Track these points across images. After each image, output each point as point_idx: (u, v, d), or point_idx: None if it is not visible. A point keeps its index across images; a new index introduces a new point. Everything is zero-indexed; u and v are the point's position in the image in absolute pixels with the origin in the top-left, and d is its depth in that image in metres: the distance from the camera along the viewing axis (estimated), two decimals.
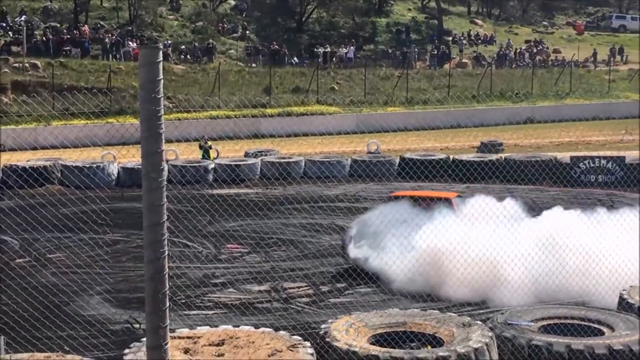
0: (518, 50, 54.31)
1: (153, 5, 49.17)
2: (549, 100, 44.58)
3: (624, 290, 8.54)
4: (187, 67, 42.94)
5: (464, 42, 54.08)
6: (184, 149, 26.97)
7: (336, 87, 43.53)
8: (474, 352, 6.65)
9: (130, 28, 47.16)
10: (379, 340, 7.33)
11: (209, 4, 53.24)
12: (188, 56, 45.05)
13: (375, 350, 6.79)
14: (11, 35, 42.35)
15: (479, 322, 7.38)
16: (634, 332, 7.17)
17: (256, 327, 7.44)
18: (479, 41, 55.34)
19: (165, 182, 4.75)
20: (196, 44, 46.31)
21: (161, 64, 4.68)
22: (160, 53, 4.68)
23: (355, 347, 6.83)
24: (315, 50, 47.91)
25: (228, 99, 32.06)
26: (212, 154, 26.66)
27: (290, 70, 45.04)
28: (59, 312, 10.22)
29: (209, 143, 26.42)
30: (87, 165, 23.05)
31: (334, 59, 48.12)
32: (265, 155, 26.40)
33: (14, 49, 40.35)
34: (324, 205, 18.22)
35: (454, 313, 7.93)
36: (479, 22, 60.35)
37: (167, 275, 4.72)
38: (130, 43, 43.43)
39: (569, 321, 7.76)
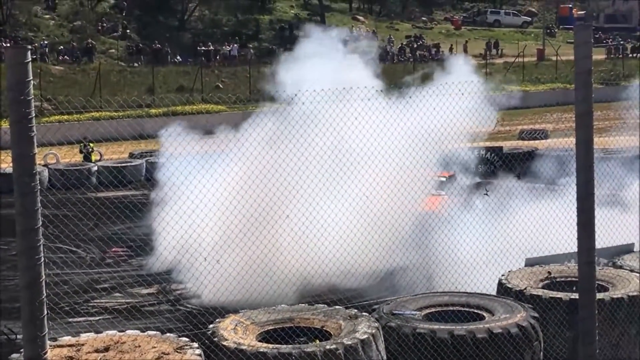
0: (399, 46, 55.41)
1: (27, 5, 47.51)
2: None
3: (502, 275, 8.85)
4: (66, 68, 41.79)
5: (347, 39, 54.77)
6: (66, 152, 26.20)
7: (221, 86, 43.27)
8: (361, 343, 6.76)
9: (3, 28, 45.42)
10: (267, 337, 7.34)
11: (86, 3, 51.91)
12: (66, 56, 43.79)
13: (263, 347, 6.80)
14: None
15: (365, 314, 7.50)
16: (512, 315, 7.45)
17: (143, 330, 7.32)
18: (361, 37, 56.16)
19: (39, 187, 4.65)
20: (75, 44, 45.08)
21: (30, 64, 4.57)
22: (29, 53, 4.57)
23: (244, 345, 6.82)
24: (198, 48, 47.47)
25: (110, 100, 31.35)
26: (94, 156, 26.04)
27: (174, 69, 44.51)
28: None
29: (91, 145, 25.79)
30: None
31: (217, 57, 47.81)
32: (151, 156, 25.98)
33: None
34: None
35: (342, 306, 8.02)
36: (361, 18, 61.28)
37: (43, 283, 4.63)
38: (4, 44, 41.80)
39: (451, 308, 7.99)
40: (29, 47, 4.77)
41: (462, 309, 7.95)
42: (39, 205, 4.60)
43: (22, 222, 4.61)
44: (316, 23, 57.24)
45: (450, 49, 54.80)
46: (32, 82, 4.61)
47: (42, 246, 4.70)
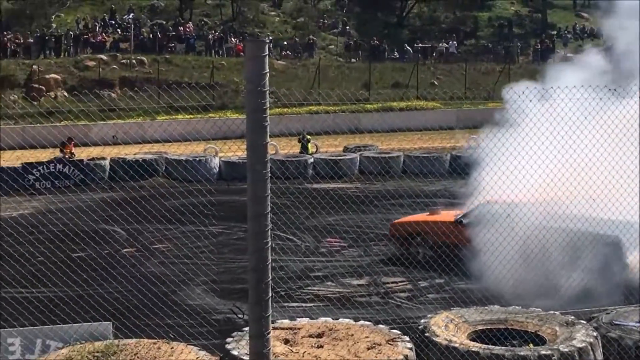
0: None
1: (255, 2, 49.85)
2: None
3: None
4: (288, 63, 43.33)
5: (569, 36, 52.68)
6: (284, 144, 27.26)
7: (436, 82, 43.12)
8: (578, 352, 6.51)
9: (232, 24, 47.95)
10: (479, 336, 7.25)
11: (310, 0, 53.60)
12: (288, 52, 45.44)
13: (476, 346, 6.72)
14: (120, 32, 43.77)
15: (583, 322, 7.21)
16: None
17: (355, 320, 7.47)
18: (585, 35, 53.81)
19: (269, 175, 4.80)
20: (297, 39, 46.69)
21: (267, 57, 4.73)
22: (267, 46, 4.73)
23: (455, 343, 6.77)
24: (415, 45, 47.57)
25: (328, 94, 32.23)
26: (311, 148, 26.88)
27: (390, 65, 44.85)
28: (165, 300, 10.56)
29: (308, 137, 26.66)
30: (190, 159, 23.60)
31: (433, 54, 47.67)
32: (365, 150, 26.41)
33: (122, 45, 41.66)
34: (423, 201, 18.09)
35: (557, 311, 7.75)
36: (585, 15, 58.67)
37: (270, 266, 4.78)
38: (233, 39, 44.15)
39: None
40: (267, 40, 4.94)
41: None
42: (269, 192, 4.75)
43: (253, 207, 4.75)
44: (537, 20, 55.60)
45: None
46: (267, 74, 4.78)
47: (269, 231, 4.84)
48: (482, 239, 11.36)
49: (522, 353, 6.48)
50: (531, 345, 6.88)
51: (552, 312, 7.58)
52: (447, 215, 13.99)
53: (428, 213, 14.37)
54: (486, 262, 9.95)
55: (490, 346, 6.75)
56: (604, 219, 10.07)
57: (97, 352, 6.57)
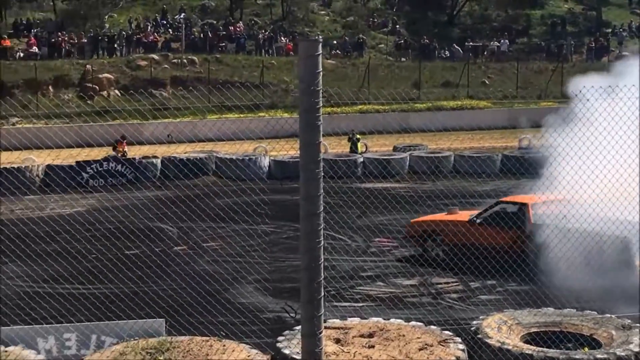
0: None
1: (305, 1, 49.97)
2: None
3: None
4: (338, 62, 43.30)
5: (624, 34, 51.70)
6: (334, 143, 27.28)
7: (487, 82, 42.72)
8: (635, 356, 6.39)
9: (282, 24, 48.14)
10: (533, 339, 7.17)
11: None
12: (338, 51, 45.42)
13: (529, 349, 6.64)
14: (171, 32, 44.26)
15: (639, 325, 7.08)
16: None
17: (406, 320, 7.44)
18: None
19: (322, 174, 4.79)
20: (347, 38, 46.66)
21: (320, 57, 4.73)
22: (320, 46, 4.73)
23: (508, 345, 6.70)
24: (466, 44, 47.17)
25: (377, 93, 32.06)
26: (361, 147, 26.86)
27: (440, 64, 44.55)
28: (217, 298, 10.64)
29: (358, 136, 26.67)
30: (240, 158, 23.75)
31: (485, 53, 47.21)
32: (414, 149, 26.29)
33: (174, 45, 42.12)
34: (474, 201, 17.94)
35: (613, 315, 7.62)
36: None
37: (322, 265, 4.77)
38: (283, 39, 44.31)
39: None
40: (320, 40, 4.93)
41: None
42: (322, 191, 4.75)
43: (306, 206, 4.75)
44: (591, 18, 54.69)
45: None
46: (320, 73, 4.77)
47: (322, 230, 4.83)
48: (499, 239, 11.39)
49: (577, 357, 6.38)
50: (586, 348, 6.77)
51: (607, 315, 7.45)
52: (463, 214, 14.09)
53: (446, 213, 14.49)
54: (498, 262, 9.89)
55: (544, 349, 6.67)
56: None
57: (151, 348, 6.66)
